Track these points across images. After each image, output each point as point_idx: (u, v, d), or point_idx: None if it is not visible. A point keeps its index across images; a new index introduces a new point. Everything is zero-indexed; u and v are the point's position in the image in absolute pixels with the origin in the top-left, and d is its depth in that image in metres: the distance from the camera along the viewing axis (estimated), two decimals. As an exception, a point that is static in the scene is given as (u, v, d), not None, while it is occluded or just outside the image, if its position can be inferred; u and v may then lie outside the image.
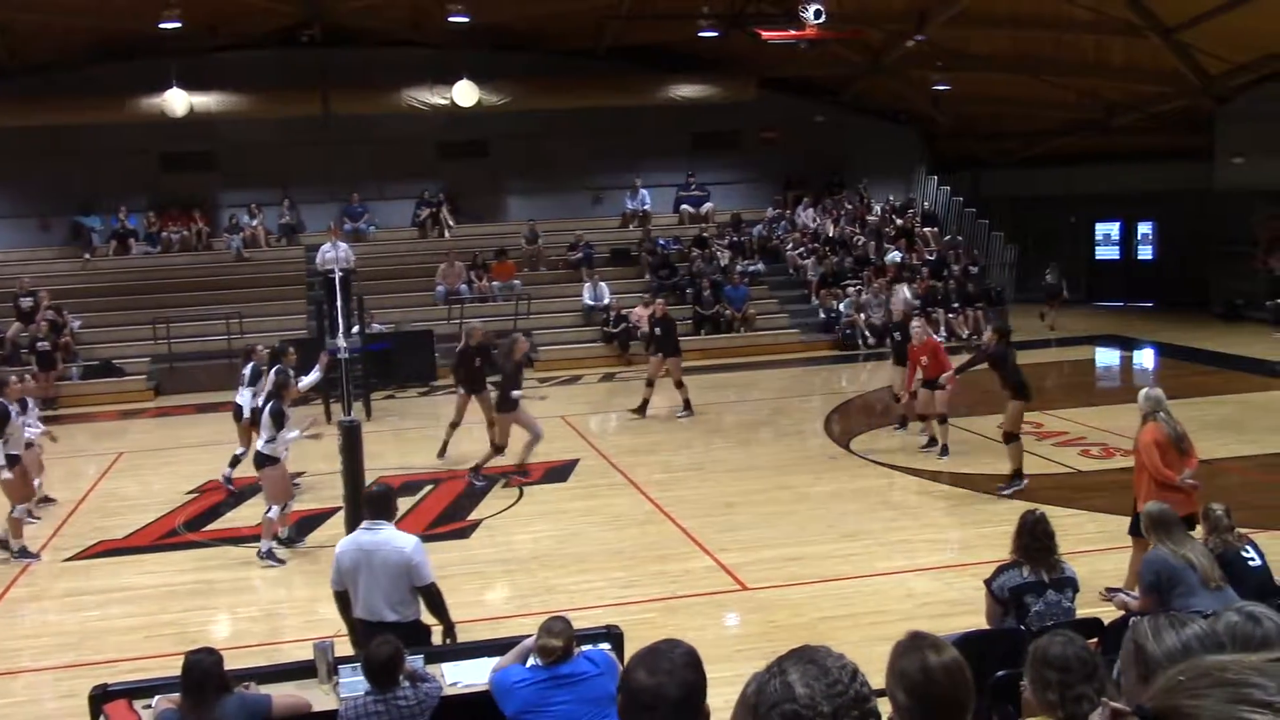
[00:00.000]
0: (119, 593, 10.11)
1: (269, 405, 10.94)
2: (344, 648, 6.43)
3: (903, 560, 9.90)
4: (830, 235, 26.62)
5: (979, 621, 6.60)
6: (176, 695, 5.44)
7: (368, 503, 6.87)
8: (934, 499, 12.13)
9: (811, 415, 17.00)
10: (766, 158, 28.56)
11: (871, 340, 23.13)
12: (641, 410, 16.68)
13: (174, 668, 6.56)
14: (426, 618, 6.77)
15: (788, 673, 2.08)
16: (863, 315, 23.47)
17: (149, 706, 5.66)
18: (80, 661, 8.39)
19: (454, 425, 14.47)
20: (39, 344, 20.99)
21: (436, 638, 6.88)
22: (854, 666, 2.12)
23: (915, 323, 14.09)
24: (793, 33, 20.22)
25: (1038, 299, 25.32)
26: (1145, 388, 8.75)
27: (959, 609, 8.18)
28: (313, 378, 13.25)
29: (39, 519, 12.18)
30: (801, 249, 26.21)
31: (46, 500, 13.20)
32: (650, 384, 16.79)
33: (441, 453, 14.44)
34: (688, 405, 16.55)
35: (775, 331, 24.02)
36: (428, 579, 6.62)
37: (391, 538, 6.62)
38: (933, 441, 13.82)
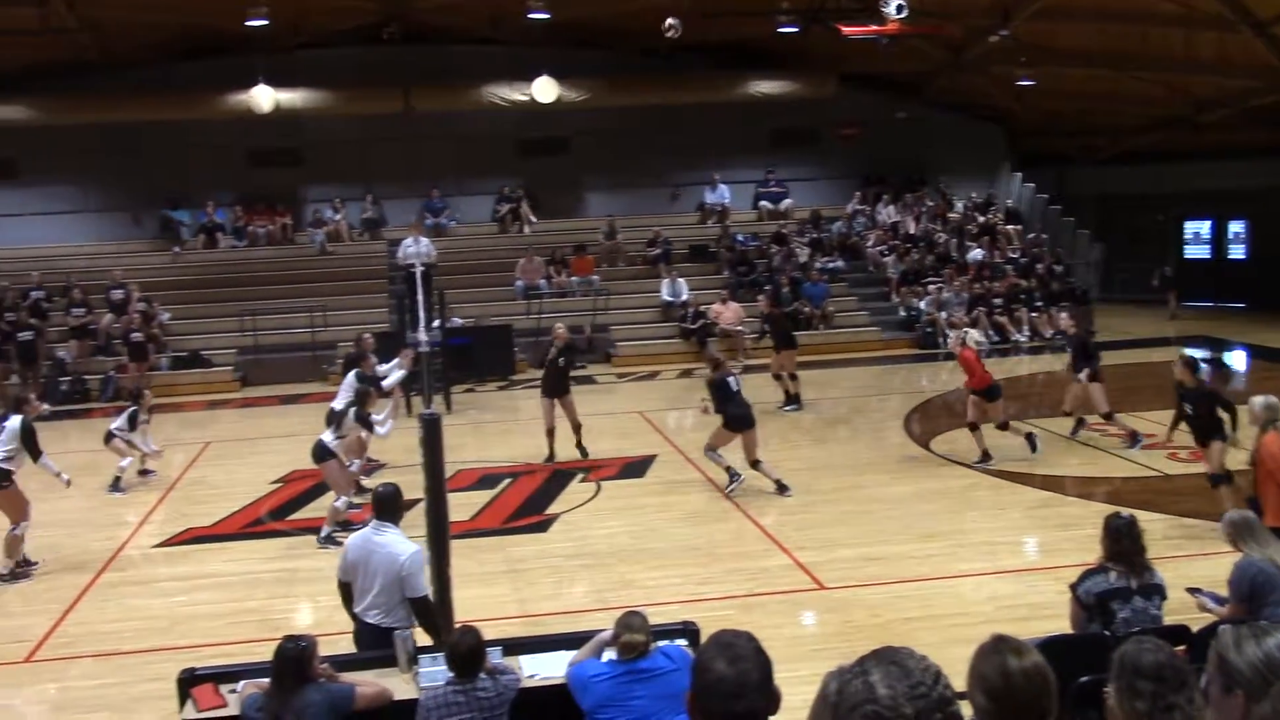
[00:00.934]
0: (205, 579, 10.33)
1: (353, 411, 11.14)
2: (424, 637, 6.49)
3: (984, 562, 9.77)
4: (911, 232, 26.36)
5: (1062, 626, 6.49)
6: (263, 680, 5.55)
7: (376, 503, 6.77)
8: (1018, 500, 11.94)
9: (890, 414, 16.84)
10: (846, 154, 28.36)
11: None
12: (794, 400, 17.24)
13: (258, 653, 6.71)
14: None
15: (870, 673, 2.07)
16: (943, 314, 23.20)
17: (234, 691, 5.77)
18: (168, 645, 8.58)
19: (551, 431, 14.23)
20: (132, 335, 21.52)
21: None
22: (937, 669, 2.10)
23: (952, 334, 14.01)
24: (874, 28, 19.98)
25: (1123, 298, 24.88)
26: (1260, 396, 8.45)
27: (1041, 613, 8.05)
28: (396, 376, 13.39)
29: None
30: (882, 246, 25.99)
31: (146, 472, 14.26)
32: (778, 377, 17.40)
33: (550, 458, 14.21)
34: (796, 398, 17.18)
35: (854, 329, 23.84)
36: (420, 591, 6.51)
37: (393, 542, 6.56)
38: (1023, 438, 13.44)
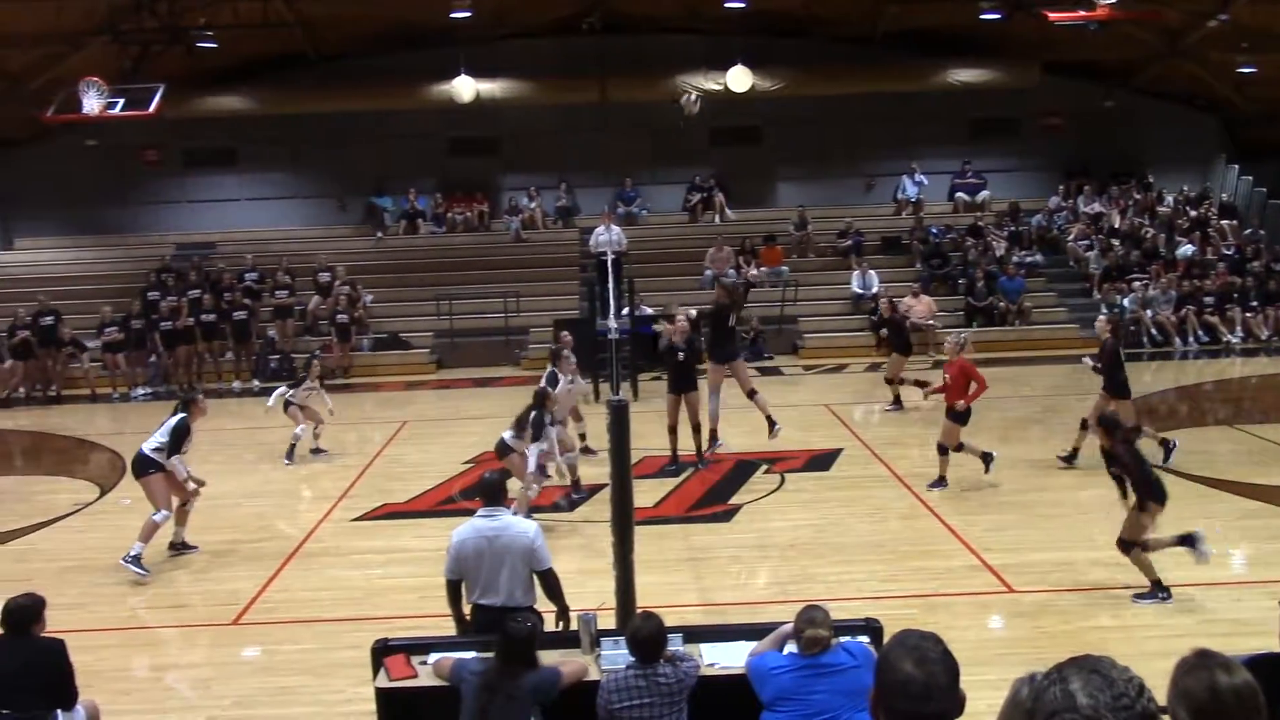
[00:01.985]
0: (399, 553, 10.71)
1: (532, 414, 11.18)
2: (606, 620, 6.58)
3: (1184, 572, 9.32)
4: (1116, 226, 25.32)
5: (1270, 644, 6.12)
6: (450, 655, 5.74)
7: (482, 490, 6.86)
8: (1225, 510, 11.36)
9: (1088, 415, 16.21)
10: (1048, 145, 27.44)
11: (1159, 338, 21.93)
12: (898, 403, 16.86)
13: (447, 627, 6.92)
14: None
15: (1069, 681, 2.00)
16: (1149, 311, 22.23)
17: (424, 662, 5.97)
18: (362, 615, 8.94)
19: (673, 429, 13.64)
20: (338, 316, 22.47)
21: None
22: (1140, 681, 2.02)
23: (950, 338, 13.03)
24: (1082, 14, 19.27)
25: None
26: None
27: (1247, 629, 7.64)
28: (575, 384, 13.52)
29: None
30: (1084, 240, 25.04)
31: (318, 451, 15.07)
32: (890, 382, 17.07)
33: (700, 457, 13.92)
34: (897, 400, 16.87)
35: (1052, 326, 23.06)
36: (548, 563, 6.61)
37: (513, 523, 6.68)
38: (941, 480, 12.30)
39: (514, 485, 9.96)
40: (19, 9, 20.24)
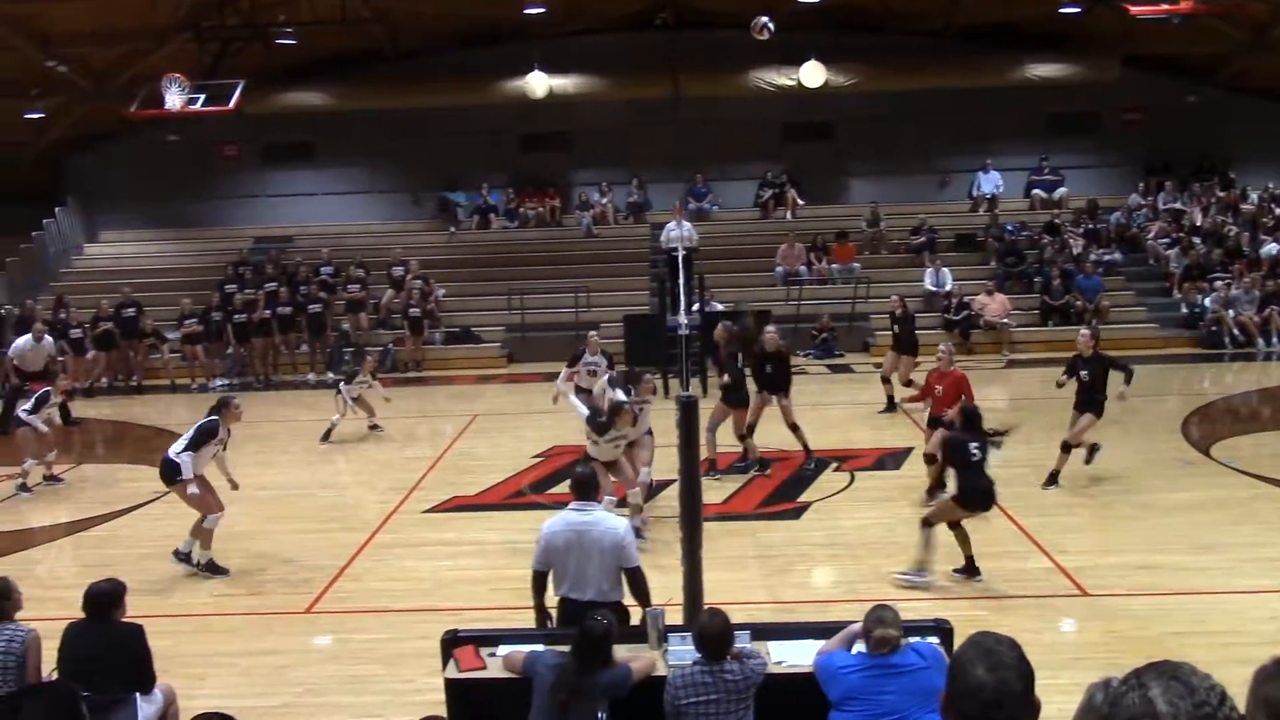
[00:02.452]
0: (469, 545, 10.80)
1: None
2: (674, 616, 6.58)
3: (1268, 579, 9.12)
4: (1198, 224, 24.79)
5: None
6: (522, 649, 5.78)
7: (577, 484, 6.89)
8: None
9: (1168, 417, 15.92)
10: (1128, 141, 26.92)
11: (1241, 338, 21.45)
12: (891, 405, 16.45)
13: (515, 620, 6.97)
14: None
15: (1149, 687, 1.96)
16: (1231, 311, 21.75)
17: (493, 654, 6.02)
18: (432, 606, 9.03)
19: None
20: (411, 310, 22.71)
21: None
22: (1222, 688, 1.97)
23: (942, 346, 12.28)
24: (1165, 7, 18.86)
25: None
26: None
27: (1329, 637, 7.47)
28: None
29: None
30: (1164, 238, 24.54)
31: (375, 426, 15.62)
32: (887, 381, 16.68)
33: (760, 462, 13.71)
34: (892, 402, 16.54)
35: (1130, 325, 22.62)
36: (636, 560, 6.64)
37: (604, 518, 6.70)
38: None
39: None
40: (112, 6, 20.71)
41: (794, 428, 13.16)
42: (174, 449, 10.22)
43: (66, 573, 10.38)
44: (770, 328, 13.74)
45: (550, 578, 6.71)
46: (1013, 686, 2.38)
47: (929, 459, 11.72)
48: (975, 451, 9.19)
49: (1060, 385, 12.50)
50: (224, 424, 10.36)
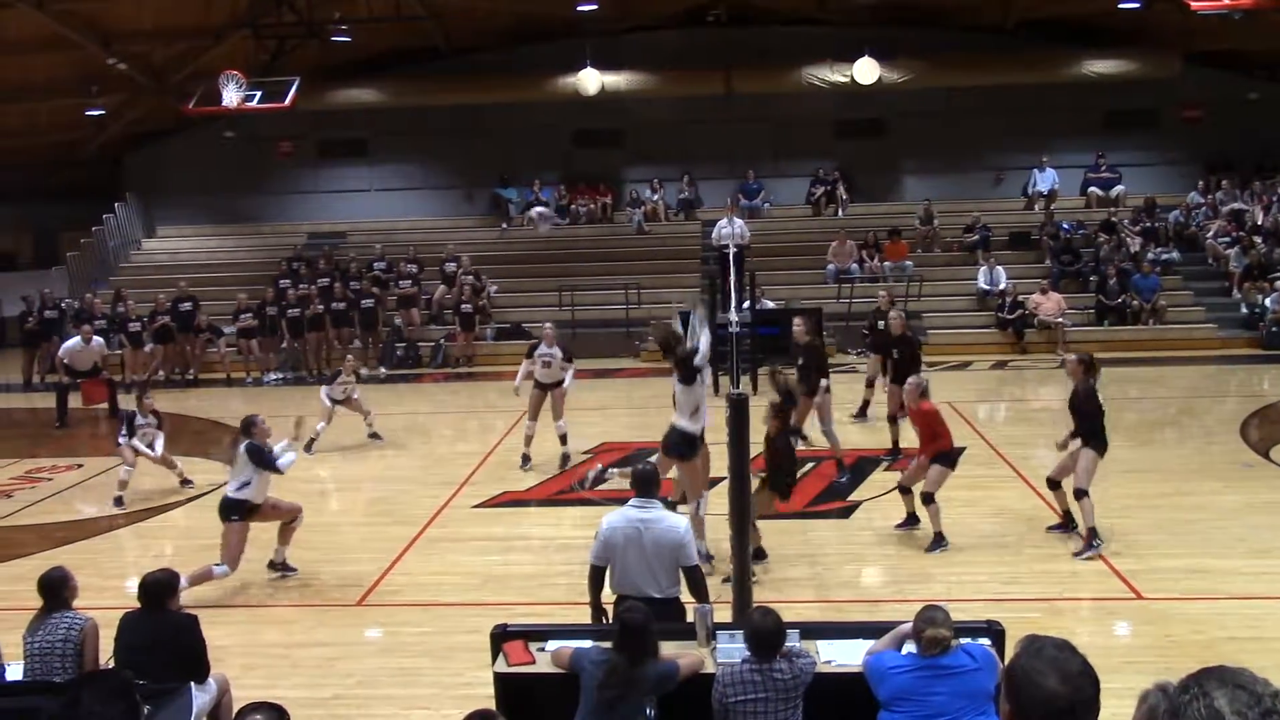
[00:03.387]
0: (519, 541, 10.85)
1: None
2: (723, 613, 6.57)
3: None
4: (1259, 223, 24.35)
5: None
6: (570, 644, 5.79)
7: (639, 481, 6.86)
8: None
9: (1225, 418, 15.65)
10: (1188, 138, 26.54)
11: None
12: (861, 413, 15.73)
13: (564, 615, 6.98)
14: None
15: (1212, 696, 1.92)
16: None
17: (542, 649, 6.04)
18: (481, 601, 9.08)
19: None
20: (462, 306, 22.84)
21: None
22: None
23: (911, 380, 10.66)
24: (1227, 2, 18.55)
25: None
26: None
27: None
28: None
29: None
30: (1224, 237, 24.15)
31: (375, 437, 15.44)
32: (870, 385, 15.71)
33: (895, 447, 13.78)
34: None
35: (1188, 325, 22.29)
36: (694, 559, 6.64)
37: (665, 516, 6.68)
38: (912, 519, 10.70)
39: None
40: (172, 4, 21.03)
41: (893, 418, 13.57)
42: (231, 489, 9.68)
43: (124, 562, 10.54)
44: (894, 311, 14.22)
45: (608, 574, 6.71)
46: (1086, 693, 2.35)
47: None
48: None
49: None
50: (260, 441, 9.65)
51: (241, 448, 9.57)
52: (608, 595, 6.73)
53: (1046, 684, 2.35)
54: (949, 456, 10.32)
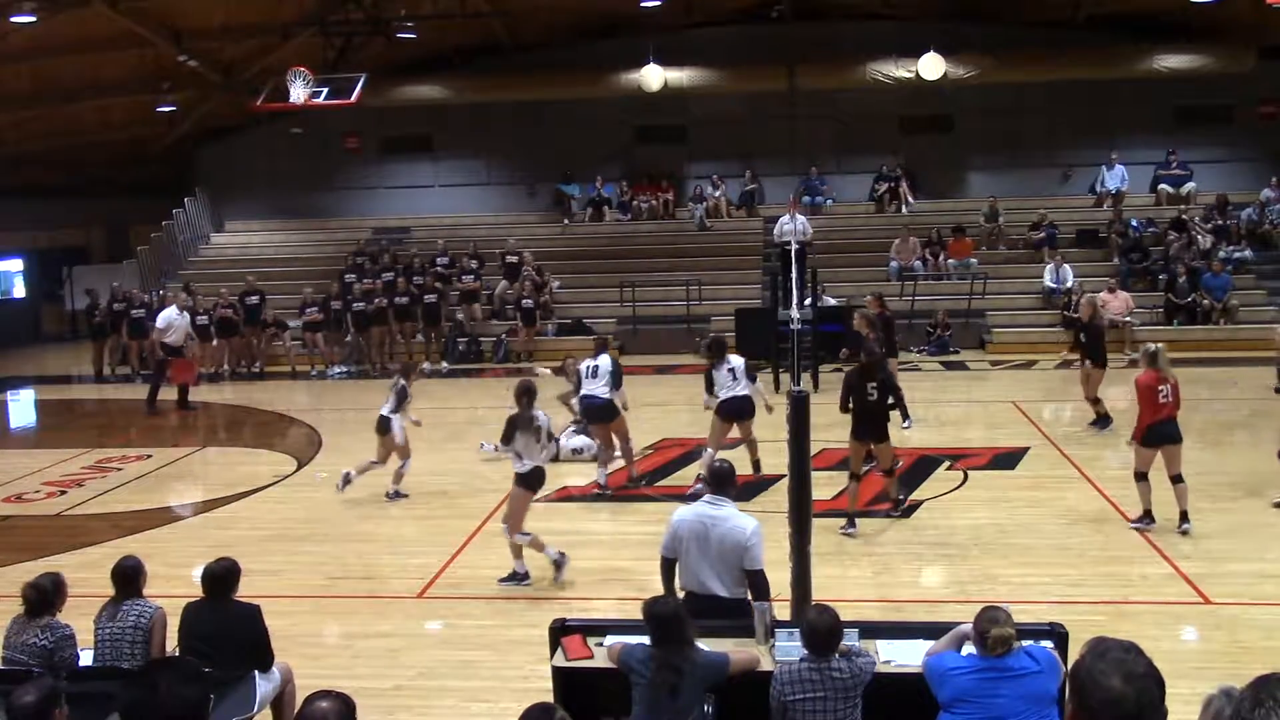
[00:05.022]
0: (577, 536, 10.85)
1: None
2: (782, 611, 6.54)
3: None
4: (1335, 221, 23.81)
5: None
6: (623, 640, 5.80)
7: (713, 478, 6.81)
8: None
9: (1299, 420, 15.32)
10: (1261, 134, 25.97)
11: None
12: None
13: (622, 610, 6.98)
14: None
15: None
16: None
17: (600, 644, 6.05)
18: (541, 596, 9.13)
19: None
20: (524, 301, 22.95)
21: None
22: None
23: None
24: (1304, -5, 18.12)
25: None
26: None
27: None
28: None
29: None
30: (1299, 236, 23.63)
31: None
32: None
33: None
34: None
35: (1261, 325, 21.80)
36: (759, 564, 6.48)
37: (734, 515, 6.58)
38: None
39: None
40: (243, 2, 21.34)
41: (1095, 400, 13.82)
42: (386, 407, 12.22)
43: (192, 552, 10.72)
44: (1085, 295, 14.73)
45: (677, 569, 6.71)
46: (1151, 695, 2.33)
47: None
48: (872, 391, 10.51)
49: None
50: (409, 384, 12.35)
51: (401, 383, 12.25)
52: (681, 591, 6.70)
53: (1112, 685, 2.33)
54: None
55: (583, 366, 12.78)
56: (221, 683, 5.95)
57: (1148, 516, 10.50)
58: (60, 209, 27.97)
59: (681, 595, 6.61)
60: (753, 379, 12.34)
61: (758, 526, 6.59)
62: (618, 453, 12.79)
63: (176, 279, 25.52)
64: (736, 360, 12.32)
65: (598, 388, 12.48)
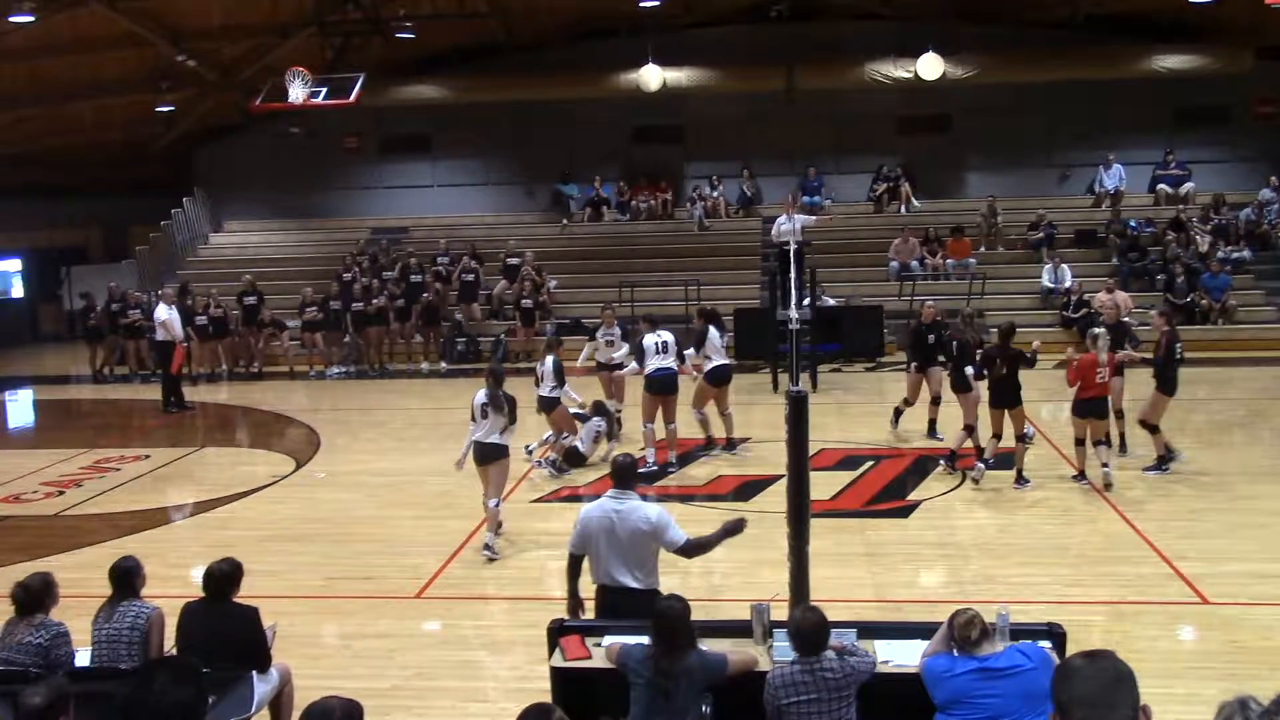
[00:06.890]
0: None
1: None
2: (780, 611, 6.54)
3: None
4: (1333, 221, 23.83)
5: None
6: (621, 640, 5.80)
7: (616, 472, 6.95)
8: None
9: (1297, 421, 15.36)
10: (1260, 134, 25.98)
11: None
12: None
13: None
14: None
15: None
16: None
17: (599, 645, 6.05)
18: (539, 595, 9.11)
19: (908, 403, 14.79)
20: (523, 301, 22.94)
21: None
22: None
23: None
24: (1303, -5, 18.12)
25: None
26: None
27: None
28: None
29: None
30: (1297, 236, 23.63)
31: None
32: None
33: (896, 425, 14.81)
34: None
35: (1259, 325, 21.85)
36: (680, 540, 6.63)
37: (639, 506, 6.70)
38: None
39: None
40: (241, 2, 21.33)
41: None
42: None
43: (190, 552, 10.72)
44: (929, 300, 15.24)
45: (587, 564, 6.80)
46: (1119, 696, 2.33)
47: None
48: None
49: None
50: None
51: (550, 360, 13.15)
52: (588, 587, 6.82)
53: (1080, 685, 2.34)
54: None
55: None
56: (219, 683, 5.95)
57: (1082, 475, 12.05)
58: (59, 209, 27.98)
59: (595, 589, 6.75)
60: (682, 359, 13.53)
61: (661, 510, 6.76)
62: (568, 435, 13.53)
63: (175, 279, 25.48)
64: (667, 334, 13.76)
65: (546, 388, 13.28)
